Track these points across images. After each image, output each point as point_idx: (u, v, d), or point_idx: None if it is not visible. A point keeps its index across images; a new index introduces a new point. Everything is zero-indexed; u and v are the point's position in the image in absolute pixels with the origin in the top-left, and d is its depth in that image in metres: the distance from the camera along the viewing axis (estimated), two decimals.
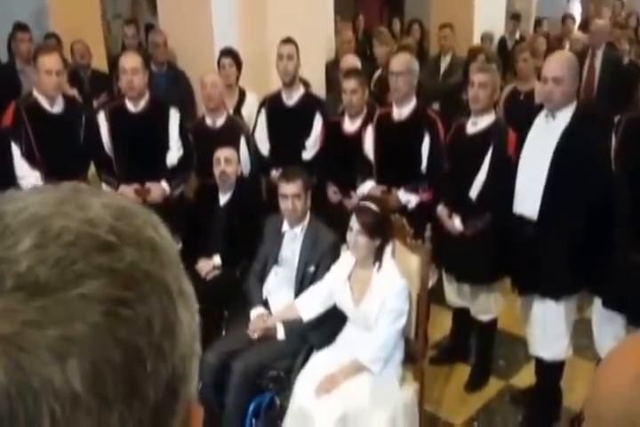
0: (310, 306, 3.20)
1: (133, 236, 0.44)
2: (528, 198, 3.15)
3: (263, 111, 4.66)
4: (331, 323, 3.24)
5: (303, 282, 3.37)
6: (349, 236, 3.00)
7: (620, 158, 2.88)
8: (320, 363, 3.05)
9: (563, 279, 3.13)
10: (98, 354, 0.39)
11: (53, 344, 0.38)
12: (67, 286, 0.39)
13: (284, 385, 3.18)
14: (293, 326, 3.25)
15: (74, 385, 0.38)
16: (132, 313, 0.41)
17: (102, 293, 0.40)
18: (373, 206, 3.02)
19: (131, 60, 4.11)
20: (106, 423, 0.39)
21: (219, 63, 4.85)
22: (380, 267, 3.00)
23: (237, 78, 4.92)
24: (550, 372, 3.39)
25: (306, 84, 4.80)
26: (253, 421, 3.20)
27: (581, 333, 3.65)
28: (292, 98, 4.57)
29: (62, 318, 0.38)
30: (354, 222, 2.98)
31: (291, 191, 3.35)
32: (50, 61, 3.93)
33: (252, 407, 3.17)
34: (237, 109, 4.88)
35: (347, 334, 3.16)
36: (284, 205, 3.38)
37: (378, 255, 3.01)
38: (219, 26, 5.16)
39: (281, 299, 3.43)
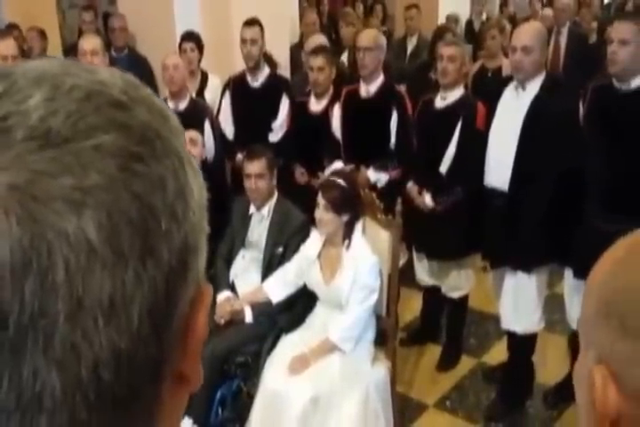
0: (279, 287, 3.14)
1: (143, 100, 0.43)
2: (499, 170, 3.12)
3: (227, 93, 4.53)
4: (301, 305, 3.18)
5: (271, 264, 3.29)
6: (316, 213, 2.94)
7: (588, 126, 2.87)
8: (290, 345, 2.99)
9: (534, 251, 3.11)
10: (113, 206, 0.37)
11: (68, 194, 0.36)
12: (80, 138, 0.38)
13: (252, 371, 3.10)
14: (262, 309, 3.16)
15: (89, 235, 0.36)
16: (147, 169, 0.40)
17: (116, 146, 0.39)
18: (340, 181, 2.96)
19: (90, 42, 4.00)
20: (121, 278, 0.37)
21: (180, 48, 4.71)
22: (349, 244, 2.94)
23: (199, 62, 4.79)
24: (523, 346, 3.37)
25: (272, 64, 4.69)
26: (219, 410, 3.11)
27: (552, 308, 3.67)
28: (257, 79, 4.45)
29: (76, 168, 0.37)
30: (320, 199, 2.92)
31: (253, 170, 3.28)
32: (5, 47, 3.78)
33: (218, 396, 3.08)
34: (200, 93, 4.75)
35: (317, 315, 3.10)
36: (247, 184, 3.30)
37: (347, 232, 2.96)
38: (180, 9, 5.02)
39: (248, 282, 3.35)
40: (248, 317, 3.18)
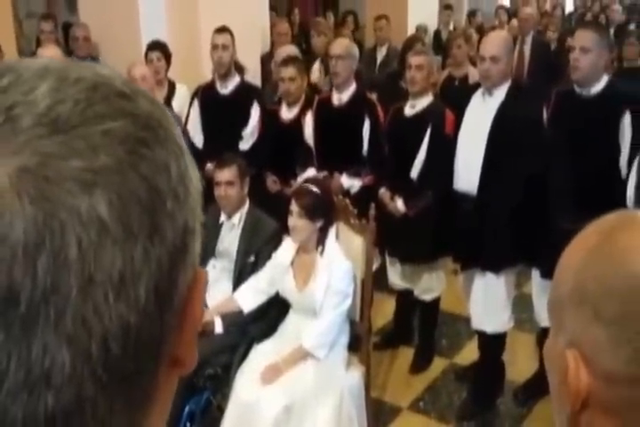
0: (250, 296, 3.11)
1: (142, 92, 0.45)
2: (467, 174, 3.20)
3: (196, 101, 4.50)
4: (273, 313, 3.17)
5: (242, 273, 3.26)
6: (290, 220, 2.94)
7: (552, 129, 2.97)
8: (262, 355, 2.97)
9: (502, 252, 3.19)
10: (123, 186, 0.39)
11: (79, 175, 0.37)
12: (88, 124, 0.39)
13: (222, 383, 3.05)
14: (233, 320, 3.12)
15: (101, 214, 0.38)
16: (152, 154, 0.41)
17: (124, 131, 0.40)
18: (314, 188, 2.98)
19: (49, 52, 3.93)
20: (131, 255, 0.39)
21: (146, 57, 4.65)
22: (323, 250, 2.95)
23: (166, 72, 4.74)
24: (493, 345, 3.44)
25: (241, 71, 4.69)
26: (188, 425, 3.03)
27: (520, 308, 3.76)
28: (226, 87, 4.41)
29: (86, 151, 0.38)
30: (293, 206, 2.93)
31: (224, 178, 3.27)
32: None
33: (187, 410, 3.00)
34: (167, 102, 4.68)
35: (290, 323, 3.10)
36: (217, 192, 3.29)
37: (321, 239, 2.97)
38: (145, 18, 4.98)
39: (219, 292, 3.30)
40: (218, 328, 3.13)
